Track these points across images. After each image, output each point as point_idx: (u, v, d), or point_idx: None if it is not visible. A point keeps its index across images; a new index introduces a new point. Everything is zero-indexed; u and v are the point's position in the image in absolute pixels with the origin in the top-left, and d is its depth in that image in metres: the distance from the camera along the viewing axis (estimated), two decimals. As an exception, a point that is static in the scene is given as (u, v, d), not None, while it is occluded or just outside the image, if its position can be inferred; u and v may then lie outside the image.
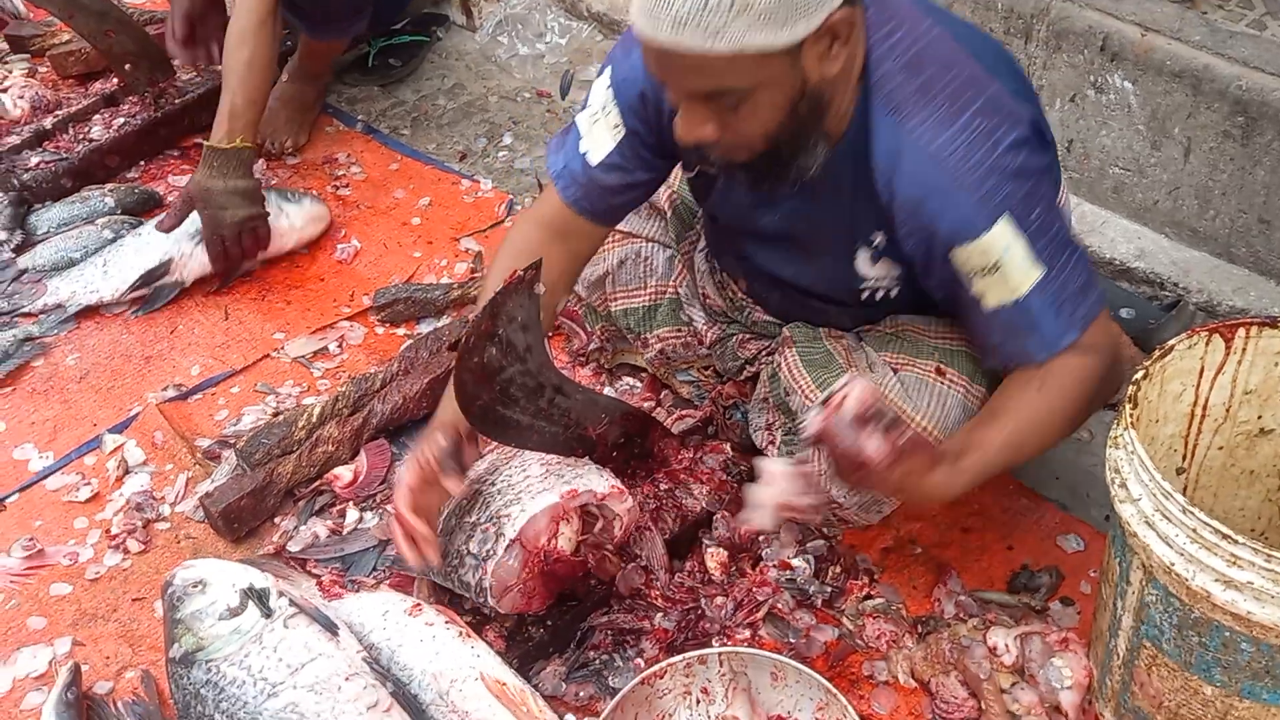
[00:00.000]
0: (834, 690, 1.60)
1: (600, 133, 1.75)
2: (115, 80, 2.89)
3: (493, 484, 1.77)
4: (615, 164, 1.75)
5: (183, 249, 2.45)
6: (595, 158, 1.75)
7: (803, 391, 1.80)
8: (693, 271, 2.12)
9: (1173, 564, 1.38)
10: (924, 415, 1.73)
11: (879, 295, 1.76)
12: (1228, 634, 1.39)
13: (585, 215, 1.81)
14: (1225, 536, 1.33)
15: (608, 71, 1.73)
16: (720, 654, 1.68)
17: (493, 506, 1.73)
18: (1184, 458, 1.68)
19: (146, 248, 2.46)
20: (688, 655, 1.67)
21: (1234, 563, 1.33)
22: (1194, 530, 1.36)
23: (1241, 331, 1.56)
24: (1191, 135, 2.20)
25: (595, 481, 1.75)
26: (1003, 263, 1.52)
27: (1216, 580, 1.35)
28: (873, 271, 1.72)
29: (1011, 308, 1.55)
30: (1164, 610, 1.45)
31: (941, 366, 1.78)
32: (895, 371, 1.79)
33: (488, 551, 1.69)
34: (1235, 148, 2.16)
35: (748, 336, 2.04)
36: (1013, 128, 1.51)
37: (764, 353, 2.01)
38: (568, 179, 1.79)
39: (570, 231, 1.82)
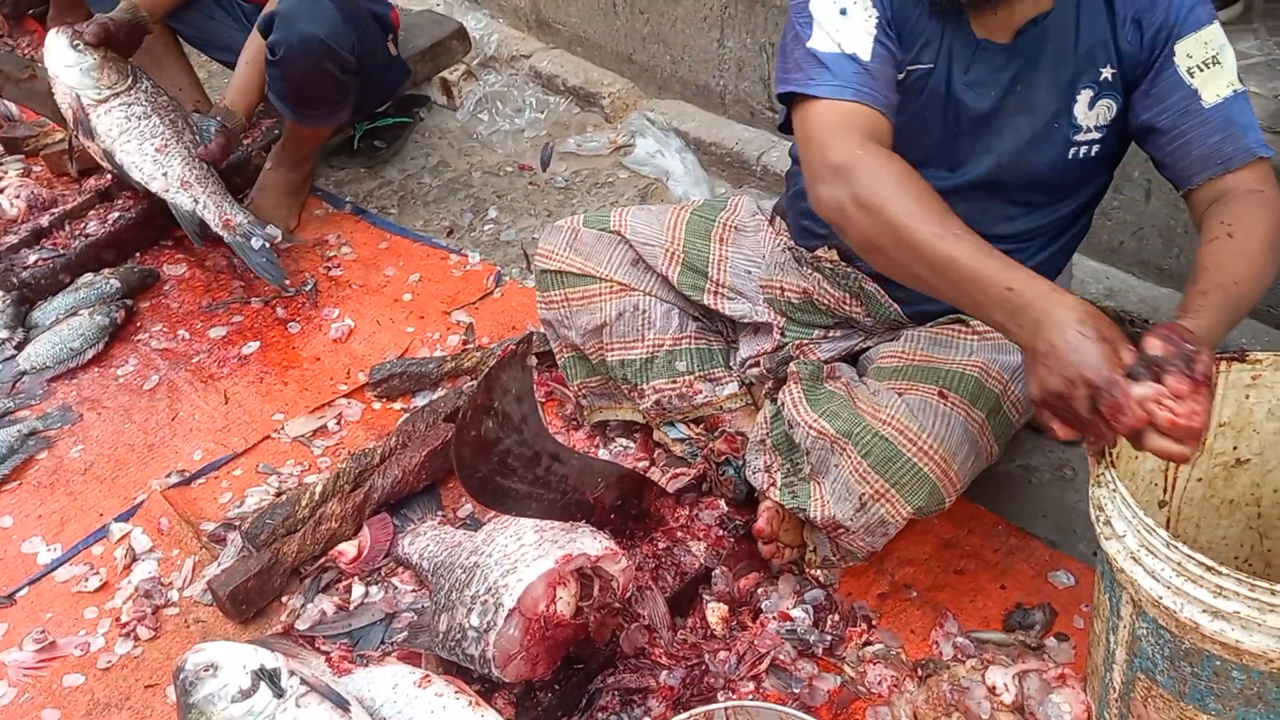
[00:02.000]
0: None
1: (855, 29, 1.67)
2: (109, 176, 2.96)
3: (489, 554, 1.80)
4: (881, 53, 1.68)
5: None
6: (864, 54, 1.66)
7: (806, 424, 1.84)
8: (737, 277, 2.13)
9: (1160, 597, 1.42)
10: (928, 433, 1.77)
11: (1084, 153, 1.81)
12: (1219, 663, 1.42)
13: (885, 112, 1.67)
14: (1209, 569, 1.36)
15: None
16: (726, 708, 1.70)
17: (491, 578, 1.76)
18: (1165, 491, 1.72)
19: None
20: (694, 711, 1.69)
21: (1220, 593, 1.37)
22: (1179, 564, 1.39)
23: (1223, 365, 1.61)
24: (1152, 177, 2.28)
25: (589, 545, 1.79)
26: (1220, 57, 1.67)
27: (1204, 611, 1.38)
28: (1089, 118, 1.78)
29: (1230, 100, 1.67)
30: (1155, 643, 1.48)
31: (944, 390, 1.83)
32: (900, 395, 1.84)
33: (488, 623, 1.72)
34: (1195, 188, 2.23)
35: (805, 342, 2.07)
36: None
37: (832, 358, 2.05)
38: (857, 83, 1.64)
39: (885, 134, 1.66)
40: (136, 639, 2.02)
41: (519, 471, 1.73)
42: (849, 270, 2.00)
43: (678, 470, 2.12)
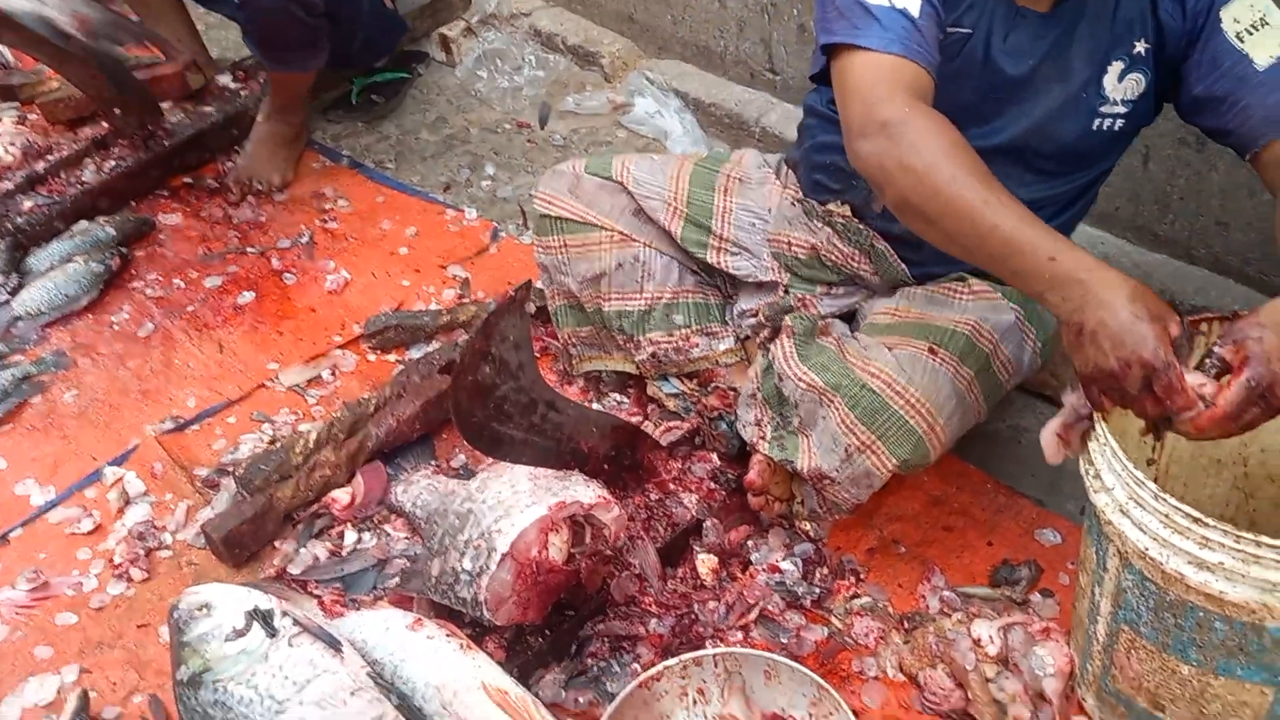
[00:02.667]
0: (826, 685, 1.65)
1: None
2: (105, 124, 2.95)
3: (483, 501, 1.81)
4: (929, 11, 1.68)
5: None
6: (914, 10, 1.65)
7: (795, 377, 1.85)
8: (741, 231, 2.13)
9: (1147, 549, 1.44)
10: (917, 387, 1.79)
11: (1108, 125, 1.83)
12: (1202, 614, 1.44)
13: (931, 71, 1.65)
14: (1196, 520, 1.38)
15: None
16: (715, 655, 1.73)
17: (484, 523, 1.77)
18: (1153, 449, 1.74)
19: None
20: (683, 657, 1.72)
21: (1205, 545, 1.39)
22: (1166, 516, 1.41)
23: (1205, 326, 1.63)
24: (1150, 143, 2.29)
25: (582, 493, 1.80)
26: (1269, 18, 1.66)
27: (1189, 563, 1.41)
28: (1118, 91, 1.79)
29: None
30: (1140, 595, 1.51)
31: (934, 346, 1.85)
32: (890, 350, 1.85)
33: (481, 567, 1.74)
34: (1191, 153, 2.24)
35: (804, 296, 2.08)
36: None
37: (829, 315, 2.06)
38: (906, 38, 1.62)
39: (929, 93, 1.65)
40: (129, 580, 2.03)
41: (515, 418, 1.74)
42: (861, 227, 2.01)
43: (671, 424, 2.13)
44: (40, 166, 2.84)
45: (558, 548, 1.79)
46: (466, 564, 1.76)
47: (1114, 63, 1.78)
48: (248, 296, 2.64)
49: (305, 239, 2.78)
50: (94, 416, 2.36)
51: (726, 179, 2.16)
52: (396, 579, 1.98)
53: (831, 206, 2.03)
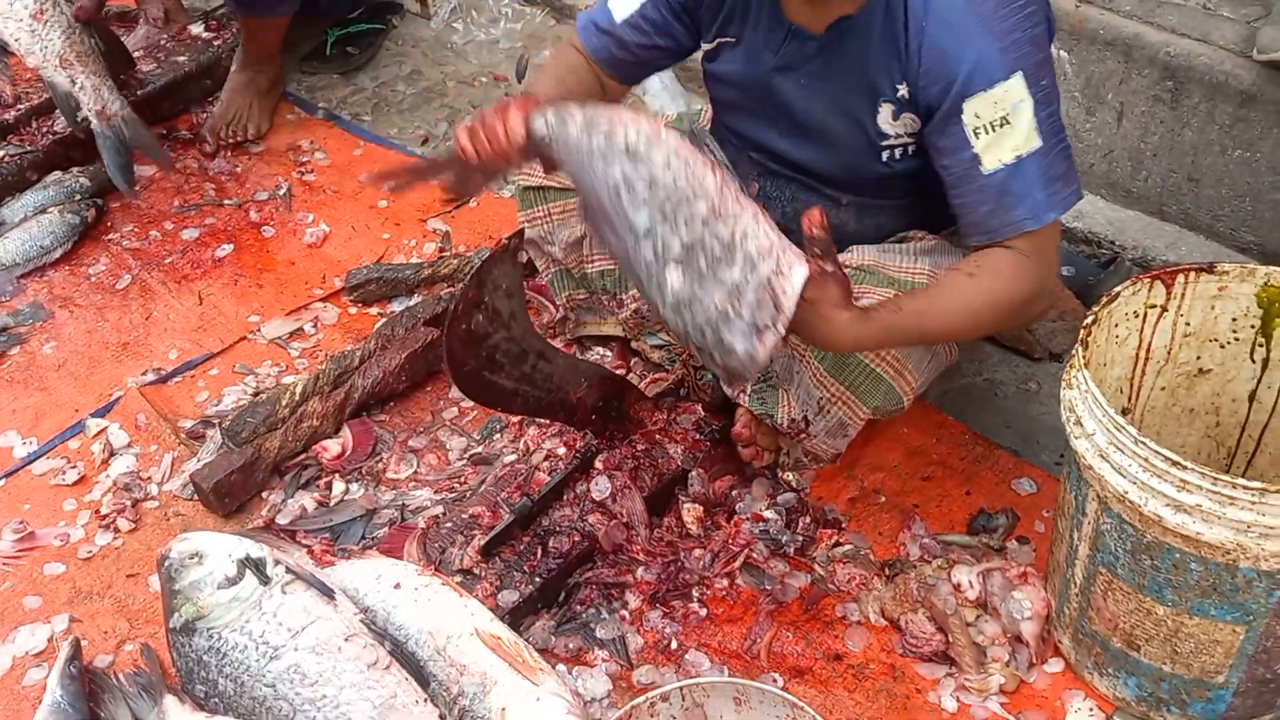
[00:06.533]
0: (800, 703, 1.56)
1: None
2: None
3: (744, 236, 1.51)
4: (637, 23, 1.85)
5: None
6: (620, 15, 1.86)
7: None
8: None
9: (1126, 492, 1.49)
10: None
11: (899, 154, 1.80)
12: (1178, 555, 1.49)
13: (604, 68, 1.92)
14: (1174, 463, 1.43)
15: None
16: (681, 688, 1.63)
17: (761, 270, 1.50)
18: (1129, 399, 1.79)
19: None
20: (650, 694, 1.61)
21: (1183, 487, 1.43)
22: (1145, 459, 1.46)
23: (1181, 277, 1.67)
24: (1124, 100, 2.33)
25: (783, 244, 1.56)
26: (1011, 118, 1.59)
27: (1167, 505, 1.45)
28: (894, 127, 1.77)
29: (1011, 167, 1.61)
30: (1118, 537, 1.56)
31: (898, 295, 1.86)
32: (857, 299, 1.87)
33: (766, 321, 1.50)
34: (1165, 111, 2.28)
35: None
36: (1034, 1, 1.63)
37: None
38: (592, 30, 1.90)
39: (588, 80, 1.92)
40: (116, 530, 2.03)
41: (506, 367, 1.76)
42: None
43: (656, 375, 2.15)
44: (10, 116, 2.79)
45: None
46: (745, 312, 1.50)
47: (883, 104, 1.75)
48: (226, 249, 2.62)
49: (283, 191, 2.77)
50: (74, 368, 2.35)
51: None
52: (385, 529, 2.00)
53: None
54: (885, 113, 1.75)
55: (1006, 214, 1.64)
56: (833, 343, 1.63)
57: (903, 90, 1.71)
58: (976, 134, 1.62)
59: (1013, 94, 1.59)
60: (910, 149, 1.79)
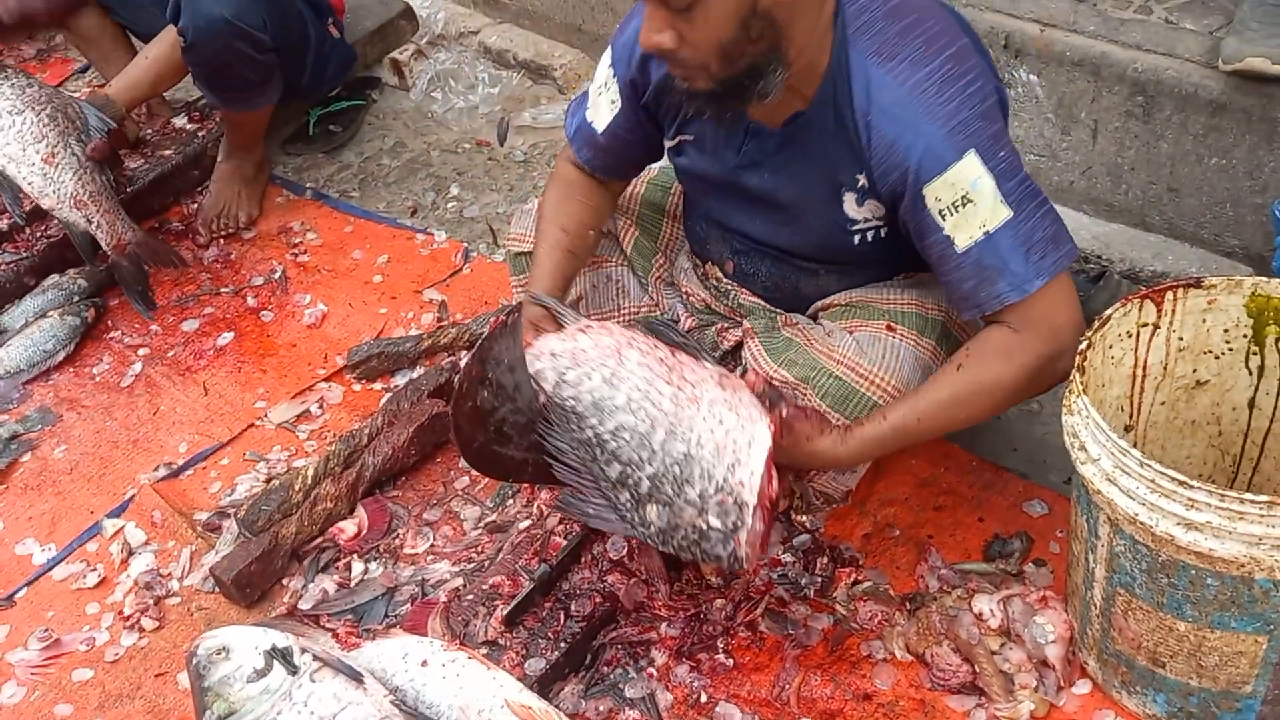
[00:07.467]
0: None
1: (602, 105, 1.93)
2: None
3: (698, 444, 1.62)
4: (615, 133, 1.93)
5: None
6: (600, 126, 1.94)
7: (767, 377, 1.89)
8: (673, 267, 2.20)
9: (1136, 514, 1.50)
10: (879, 367, 1.82)
11: (870, 236, 1.82)
12: (1193, 572, 1.50)
13: (599, 174, 2.01)
14: (1181, 483, 1.44)
15: (608, 52, 1.91)
16: None
17: (716, 474, 1.60)
18: (1130, 416, 1.81)
19: None
20: None
21: (1192, 506, 1.45)
22: (1152, 481, 1.48)
23: (1169, 294, 1.70)
24: (1097, 118, 2.36)
25: (751, 408, 1.66)
26: (972, 195, 1.59)
27: (1178, 524, 1.47)
28: (861, 213, 1.79)
29: (983, 243, 1.61)
30: (1133, 558, 1.57)
31: (891, 324, 1.88)
32: (850, 334, 1.89)
33: (734, 524, 1.59)
34: (1138, 125, 2.32)
35: (727, 326, 2.11)
36: (980, 76, 1.63)
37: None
38: (581, 141, 1.99)
39: (589, 189, 2.02)
40: (141, 630, 2.05)
41: (515, 439, 1.78)
42: (729, 286, 2.07)
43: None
44: (4, 223, 2.82)
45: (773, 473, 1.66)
46: (714, 522, 1.60)
47: (846, 193, 1.77)
48: (227, 337, 2.65)
49: (278, 275, 2.80)
50: (87, 470, 2.37)
51: (677, 196, 2.18)
52: (407, 605, 2.01)
53: (707, 268, 2.11)
54: (850, 200, 1.78)
55: (990, 287, 1.64)
56: (826, 466, 1.75)
57: (862, 180, 1.73)
58: (943, 216, 1.63)
59: (968, 173, 1.59)
60: (882, 231, 1.82)
